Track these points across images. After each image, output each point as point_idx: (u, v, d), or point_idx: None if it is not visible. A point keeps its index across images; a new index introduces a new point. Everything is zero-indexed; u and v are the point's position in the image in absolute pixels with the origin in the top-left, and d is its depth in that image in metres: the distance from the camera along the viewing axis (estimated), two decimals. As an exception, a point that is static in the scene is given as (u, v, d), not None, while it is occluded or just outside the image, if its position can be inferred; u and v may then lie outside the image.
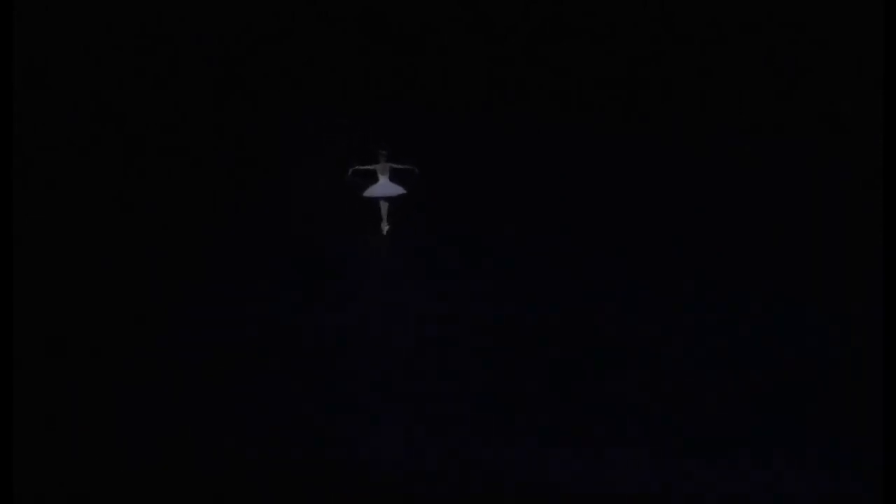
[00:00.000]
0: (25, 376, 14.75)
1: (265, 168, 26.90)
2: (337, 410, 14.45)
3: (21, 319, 16.09)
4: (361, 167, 22.34)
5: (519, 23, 30.99)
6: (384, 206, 22.67)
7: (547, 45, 30.79)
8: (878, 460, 12.15)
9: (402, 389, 15.14)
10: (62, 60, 28.32)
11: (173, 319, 17.62)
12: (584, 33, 30.75)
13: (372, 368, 15.93)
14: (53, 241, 21.17)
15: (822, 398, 14.15)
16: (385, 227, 22.72)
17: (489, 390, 14.93)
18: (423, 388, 15.15)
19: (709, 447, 13.18)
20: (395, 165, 22.33)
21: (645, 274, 19.33)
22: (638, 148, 26.72)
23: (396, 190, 22.42)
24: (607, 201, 23.37)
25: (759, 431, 13.50)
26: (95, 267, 20.00)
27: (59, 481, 12.42)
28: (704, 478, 12.62)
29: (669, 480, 12.56)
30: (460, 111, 28.04)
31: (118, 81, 29.29)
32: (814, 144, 25.70)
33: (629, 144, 26.99)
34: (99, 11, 29.28)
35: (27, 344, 15.90)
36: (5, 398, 12.14)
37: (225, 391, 14.96)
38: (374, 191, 22.53)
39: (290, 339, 16.92)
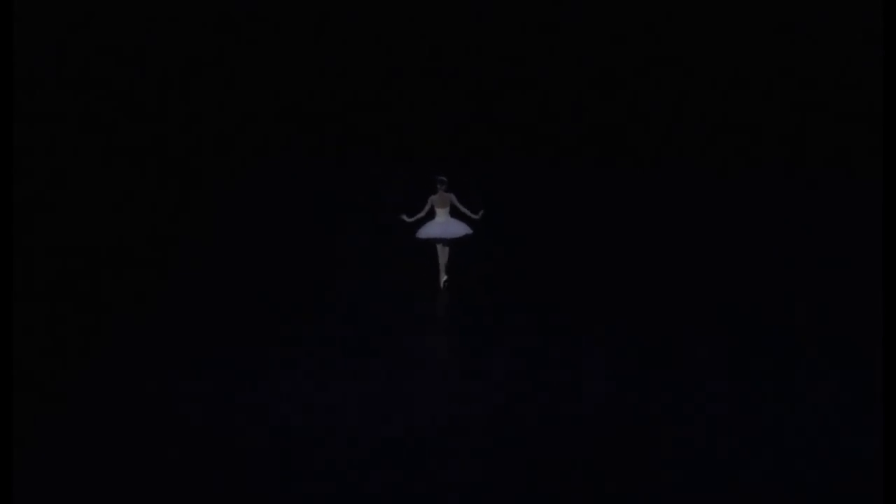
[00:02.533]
0: (25, 376, 14.78)
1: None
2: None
3: (21, 319, 16.10)
4: (410, 218, 17.85)
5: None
6: (443, 252, 17.95)
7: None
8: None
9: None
10: (62, 60, 28.37)
11: (172, 319, 17.64)
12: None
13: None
14: (53, 241, 21.20)
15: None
16: (443, 279, 18.02)
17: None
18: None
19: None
20: (457, 205, 17.79)
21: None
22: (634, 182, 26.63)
23: (460, 229, 17.77)
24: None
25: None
26: (95, 267, 20.03)
27: (58, 481, 12.45)
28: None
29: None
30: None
31: (117, 81, 29.35)
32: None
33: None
34: (99, 11, 29.34)
35: (27, 343, 15.91)
36: (5, 398, 12.17)
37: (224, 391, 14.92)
38: (430, 230, 17.83)
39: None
